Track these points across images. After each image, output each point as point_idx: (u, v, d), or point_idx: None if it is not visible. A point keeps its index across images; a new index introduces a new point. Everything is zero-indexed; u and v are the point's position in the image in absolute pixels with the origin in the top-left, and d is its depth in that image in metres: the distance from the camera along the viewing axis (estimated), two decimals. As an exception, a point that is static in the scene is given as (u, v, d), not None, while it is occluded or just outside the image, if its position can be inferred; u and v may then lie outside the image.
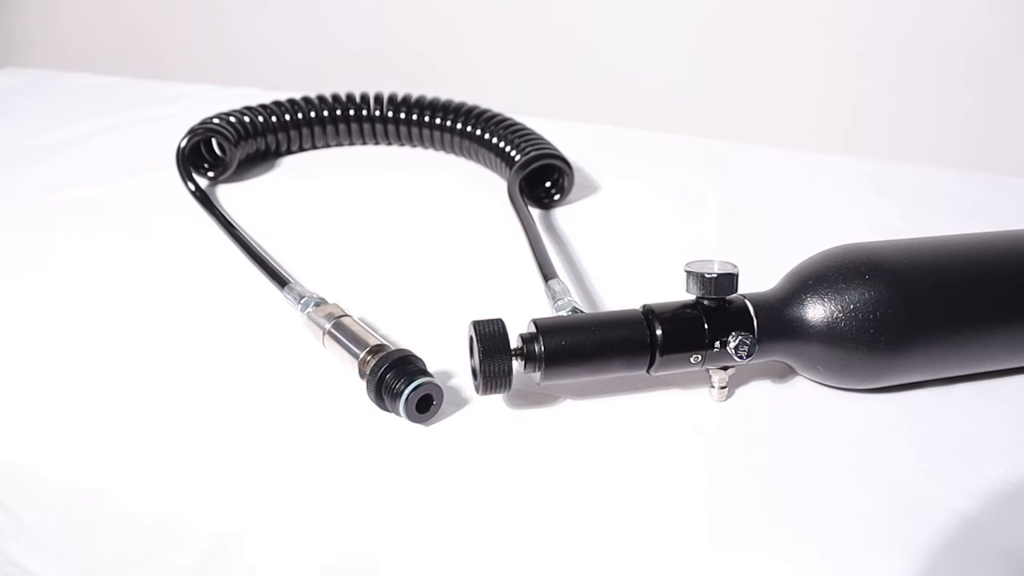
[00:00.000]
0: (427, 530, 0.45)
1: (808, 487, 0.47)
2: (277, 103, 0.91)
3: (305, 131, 0.92)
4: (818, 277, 0.53)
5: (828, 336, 0.52)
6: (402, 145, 0.95)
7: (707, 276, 0.50)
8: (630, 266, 0.71)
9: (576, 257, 0.72)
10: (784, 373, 0.56)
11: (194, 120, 0.86)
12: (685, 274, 0.51)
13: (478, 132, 0.87)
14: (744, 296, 0.53)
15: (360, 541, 0.45)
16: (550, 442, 0.50)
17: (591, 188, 0.87)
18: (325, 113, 0.92)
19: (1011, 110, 1.50)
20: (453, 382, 0.55)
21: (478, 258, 0.73)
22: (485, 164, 0.88)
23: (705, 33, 1.61)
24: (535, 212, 0.80)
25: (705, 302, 0.51)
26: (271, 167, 0.91)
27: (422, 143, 0.94)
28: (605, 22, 1.66)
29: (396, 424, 0.51)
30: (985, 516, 0.45)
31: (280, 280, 0.63)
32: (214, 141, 0.85)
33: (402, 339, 0.57)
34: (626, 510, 0.45)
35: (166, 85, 1.25)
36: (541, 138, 0.83)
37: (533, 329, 0.50)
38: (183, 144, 0.82)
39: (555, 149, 0.81)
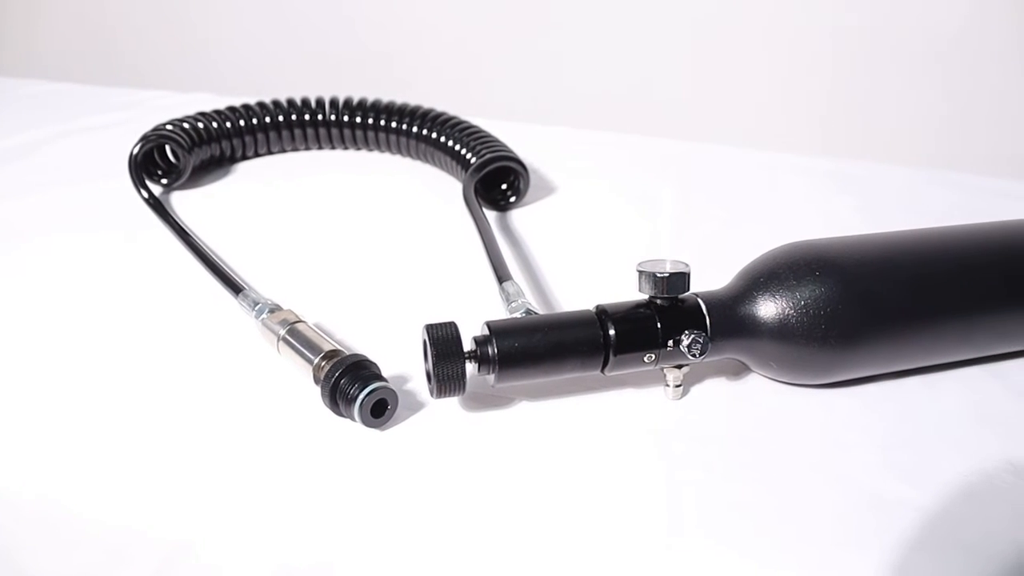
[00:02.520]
0: (385, 535, 0.45)
1: (765, 483, 0.47)
2: (231, 108, 0.90)
3: (260, 136, 0.91)
4: (769, 274, 0.53)
5: (780, 333, 0.52)
6: (358, 149, 0.95)
7: (659, 275, 0.50)
8: (587, 267, 0.71)
9: (532, 259, 0.72)
10: (738, 370, 0.57)
11: (150, 126, 0.85)
12: (637, 274, 0.51)
13: (433, 135, 0.87)
14: (697, 295, 0.53)
15: (318, 547, 0.45)
16: (506, 444, 0.50)
17: (548, 189, 0.87)
18: (280, 118, 0.91)
19: (977, 110, 1.52)
20: (409, 386, 0.55)
21: (434, 261, 0.72)
22: (441, 167, 0.88)
23: (663, 34, 1.62)
24: (492, 214, 0.80)
25: (658, 301, 0.52)
26: (226, 173, 0.91)
27: (378, 147, 0.93)
28: (561, 25, 1.67)
29: (352, 429, 0.51)
30: (940, 509, 0.46)
31: (235, 287, 0.63)
32: (167, 147, 0.84)
33: (357, 344, 0.57)
34: (583, 511, 0.45)
35: (121, 91, 1.24)
36: (496, 140, 0.83)
37: (486, 331, 0.50)
38: (135, 151, 0.81)
39: (510, 151, 0.81)
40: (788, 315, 0.52)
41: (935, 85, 1.52)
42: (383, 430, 0.51)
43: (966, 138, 1.54)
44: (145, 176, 0.82)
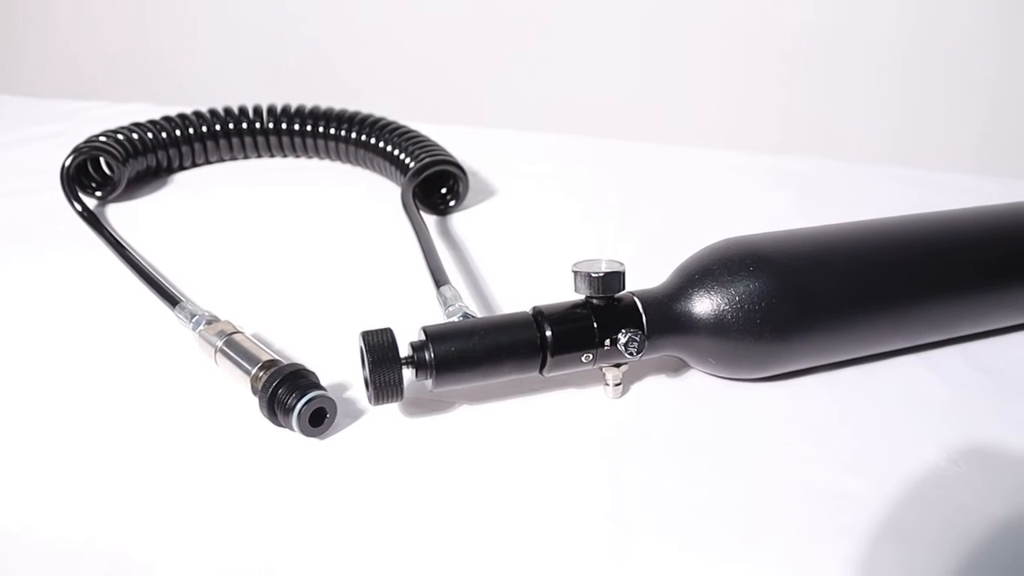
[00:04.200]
0: (326, 543, 0.44)
1: (711, 479, 0.48)
2: (166, 118, 0.89)
3: (196, 146, 0.90)
4: (704, 271, 0.54)
5: (716, 328, 0.53)
6: (297, 156, 0.94)
7: (594, 275, 0.50)
8: (527, 269, 0.71)
9: (472, 262, 0.72)
10: (678, 367, 0.57)
11: (83, 138, 0.84)
12: (573, 274, 0.51)
13: (371, 140, 0.87)
14: (633, 293, 0.53)
15: (260, 556, 0.44)
16: (448, 449, 0.50)
17: (488, 192, 0.87)
18: (216, 127, 0.90)
19: (922, 105, 1.54)
20: (348, 394, 0.54)
21: (372, 267, 0.72)
22: (381, 172, 0.88)
23: (604, 35, 1.63)
24: (433, 219, 0.80)
25: (594, 301, 0.52)
26: (163, 184, 0.89)
27: (317, 153, 0.93)
28: (502, 26, 1.67)
29: (291, 439, 0.50)
30: (878, 497, 0.46)
31: (171, 299, 0.62)
32: (101, 159, 0.83)
33: (296, 353, 0.57)
34: (529, 514, 0.46)
35: (54, 102, 1.21)
36: (435, 144, 0.83)
37: (423, 337, 0.50)
38: (68, 163, 0.80)
39: (448, 155, 0.81)
40: (724, 311, 0.52)
41: (878, 81, 1.54)
42: (322, 439, 0.51)
43: (909, 133, 1.56)
44: (79, 189, 0.81)
